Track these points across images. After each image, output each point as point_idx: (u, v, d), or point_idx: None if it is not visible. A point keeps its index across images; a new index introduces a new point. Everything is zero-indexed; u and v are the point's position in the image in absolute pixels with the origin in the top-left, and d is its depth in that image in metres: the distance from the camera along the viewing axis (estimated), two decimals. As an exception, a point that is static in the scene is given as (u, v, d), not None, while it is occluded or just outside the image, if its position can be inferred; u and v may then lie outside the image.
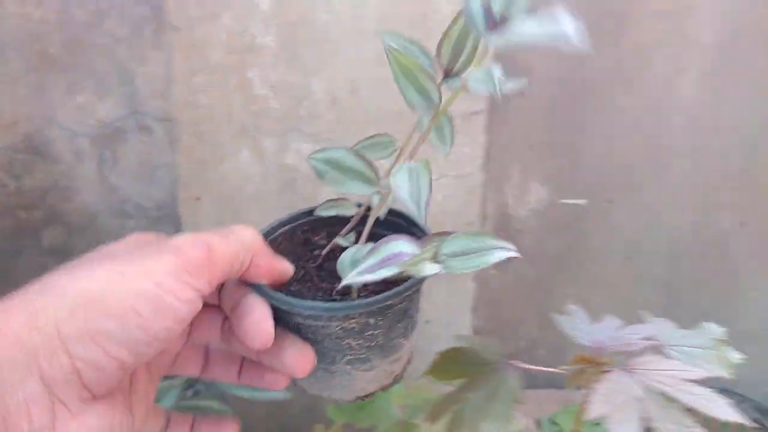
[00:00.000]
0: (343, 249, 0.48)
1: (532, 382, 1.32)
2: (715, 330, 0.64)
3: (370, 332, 0.44)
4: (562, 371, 0.59)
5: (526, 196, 1.14)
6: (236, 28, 0.81)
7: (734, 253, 1.19)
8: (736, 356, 0.62)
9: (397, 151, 0.50)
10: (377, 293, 0.43)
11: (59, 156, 1.04)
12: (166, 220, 1.11)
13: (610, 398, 0.52)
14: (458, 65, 0.47)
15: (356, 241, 0.49)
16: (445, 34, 0.47)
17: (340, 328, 0.43)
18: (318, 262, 0.51)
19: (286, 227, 0.53)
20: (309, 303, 0.42)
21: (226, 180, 0.90)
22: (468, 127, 0.88)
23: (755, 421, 1.30)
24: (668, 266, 1.20)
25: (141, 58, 0.99)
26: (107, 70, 1.00)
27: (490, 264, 0.43)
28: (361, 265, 0.42)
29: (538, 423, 1.02)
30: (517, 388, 0.56)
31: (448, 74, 0.48)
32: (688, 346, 0.61)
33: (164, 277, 0.34)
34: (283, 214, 0.90)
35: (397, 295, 0.42)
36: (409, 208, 0.43)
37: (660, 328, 0.63)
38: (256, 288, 0.42)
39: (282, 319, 0.42)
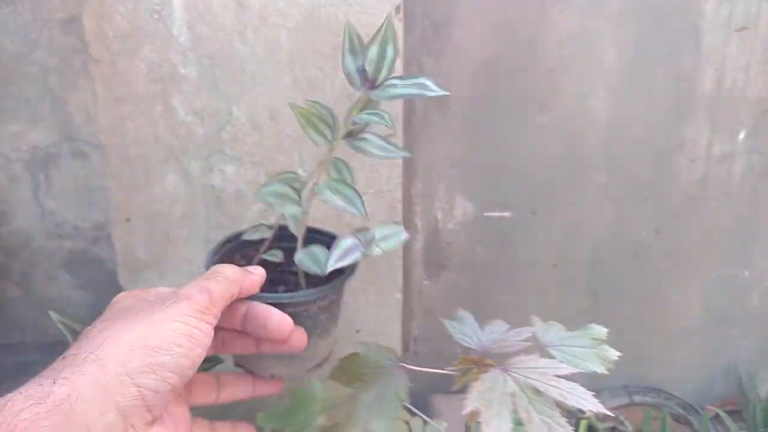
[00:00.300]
0: (267, 262, 0.64)
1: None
2: (598, 331, 0.70)
3: (332, 307, 0.63)
4: (449, 372, 0.64)
5: (453, 211, 1.19)
6: (156, 60, 0.84)
7: (652, 259, 1.26)
8: (613, 354, 0.67)
9: (304, 185, 0.66)
10: (317, 285, 0.61)
11: (-7, 181, 1.07)
12: (104, 241, 1.14)
13: (485, 395, 0.57)
14: (356, 128, 0.64)
15: (284, 256, 0.65)
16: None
17: (318, 308, 0.60)
18: None
19: (216, 257, 0.65)
20: (301, 293, 0.59)
21: (155, 202, 0.93)
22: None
23: (680, 416, 1.36)
24: (592, 273, 1.27)
25: (72, 86, 1.03)
26: (39, 98, 1.03)
27: (402, 241, 0.65)
28: (332, 257, 0.59)
29: (467, 427, 1.07)
30: (404, 389, 0.60)
31: (349, 135, 0.65)
32: (570, 346, 0.67)
33: (187, 318, 0.46)
34: (211, 233, 0.94)
35: (349, 275, 0.61)
36: (350, 211, 0.60)
37: (546, 330, 0.69)
38: (256, 298, 0.56)
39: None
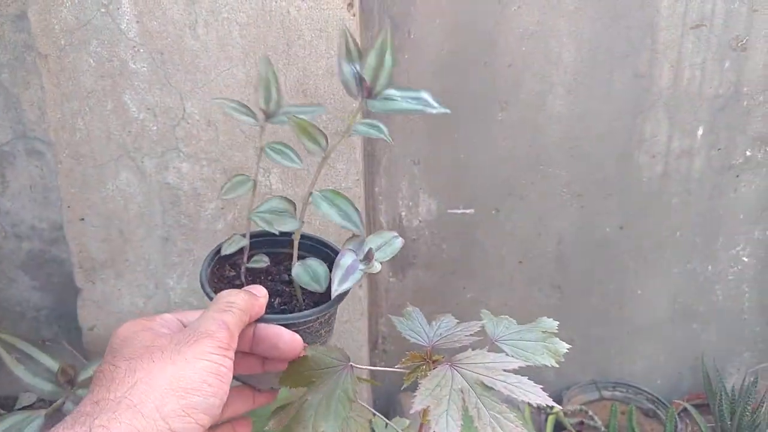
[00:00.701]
0: (254, 275, 0.64)
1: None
2: (548, 324, 0.69)
3: (331, 319, 0.63)
4: (398, 369, 0.63)
5: (417, 208, 1.19)
6: (105, 55, 0.83)
7: (617, 255, 1.27)
8: (563, 346, 0.67)
9: (253, 183, 0.64)
10: (313, 298, 0.62)
11: (-56, 181, 1.05)
12: (62, 241, 1.12)
13: (434, 392, 0.56)
14: (270, 107, 0.62)
15: (270, 262, 0.65)
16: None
17: (319, 323, 0.60)
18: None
19: (208, 270, 0.64)
20: (303, 313, 0.59)
21: (109, 200, 0.92)
22: (342, 146, 0.92)
23: (648, 411, 1.37)
24: (558, 269, 1.27)
25: (24, 83, 1.01)
26: (-9, 95, 1.01)
27: (398, 249, 0.63)
28: (335, 279, 0.58)
29: (421, 426, 1.06)
30: (352, 388, 0.59)
31: (266, 115, 0.63)
32: (520, 340, 0.66)
33: (211, 355, 0.46)
34: (169, 231, 0.93)
35: (347, 290, 0.59)
36: (348, 228, 0.59)
37: (497, 324, 0.68)
38: (263, 320, 0.56)
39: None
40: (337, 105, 0.90)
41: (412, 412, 0.57)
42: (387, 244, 0.64)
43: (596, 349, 1.37)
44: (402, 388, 0.62)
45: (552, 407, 0.60)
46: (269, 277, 0.66)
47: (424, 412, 0.68)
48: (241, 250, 0.65)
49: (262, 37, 0.84)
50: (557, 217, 1.22)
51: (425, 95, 0.59)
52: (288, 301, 0.64)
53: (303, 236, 0.67)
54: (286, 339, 0.56)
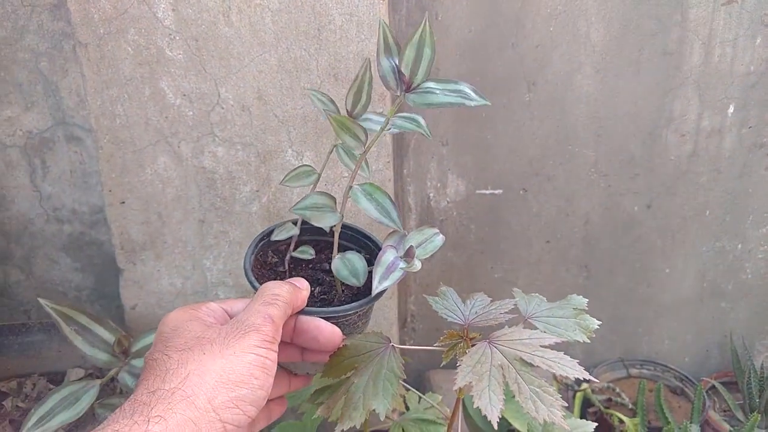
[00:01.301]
0: (296, 262, 0.66)
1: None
2: (578, 301, 0.71)
3: (368, 312, 0.64)
4: (436, 347, 0.65)
5: (446, 189, 1.20)
6: (143, 43, 0.85)
7: (644, 233, 1.27)
8: (594, 322, 0.68)
9: (317, 177, 0.65)
10: (353, 291, 0.64)
11: (-10, 167, 1.09)
12: (102, 224, 1.16)
13: (474, 368, 0.58)
14: (358, 109, 0.63)
15: (315, 253, 0.66)
16: (351, 85, 0.62)
17: (357, 316, 0.61)
18: (286, 278, 0.65)
19: (252, 257, 0.65)
20: (344, 307, 0.60)
21: (147, 184, 0.95)
22: (367, 126, 0.94)
23: (676, 388, 1.38)
24: (584, 248, 1.28)
25: (63, 71, 1.04)
26: (31, 83, 1.04)
27: (439, 246, 0.63)
28: (376, 276, 0.59)
29: (458, 400, 1.09)
30: (398, 365, 0.62)
31: (350, 115, 0.63)
32: (552, 317, 0.68)
33: (258, 349, 0.48)
34: (205, 214, 0.96)
35: (387, 288, 0.60)
36: (386, 224, 0.61)
37: (528, 302, 0.70)
38: (304, 312, 0.58)
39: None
40: (367, 88, 0.92)
41: (455, 388, 0.59)
42: (428, 241, 0.64)
43: (623, 328, 1.38)
44: (441, 365, 0.63)
45: (580, 384, 0.62)
46: (310, 265, 0.67)
47: (461, 388, 0.70)
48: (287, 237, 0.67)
49: (293, 22, 0.86)
50: (584, 197, 1.22)
51: (465, 87, 0.58)
52: (328, 291, 0.65)
53: (344, 226, 0.69)
54: (326, 333, 0.58)
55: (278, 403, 0.63)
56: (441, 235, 0.65)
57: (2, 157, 1.09)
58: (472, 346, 0.61)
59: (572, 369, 0.59)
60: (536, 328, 0.66)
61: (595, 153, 1.18)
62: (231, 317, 0.56)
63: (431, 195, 1.21)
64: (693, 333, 1.39)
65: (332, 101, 0.65)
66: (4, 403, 1.10)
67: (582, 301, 0.71)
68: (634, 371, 1.41)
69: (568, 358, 0.60)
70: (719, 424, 1.25)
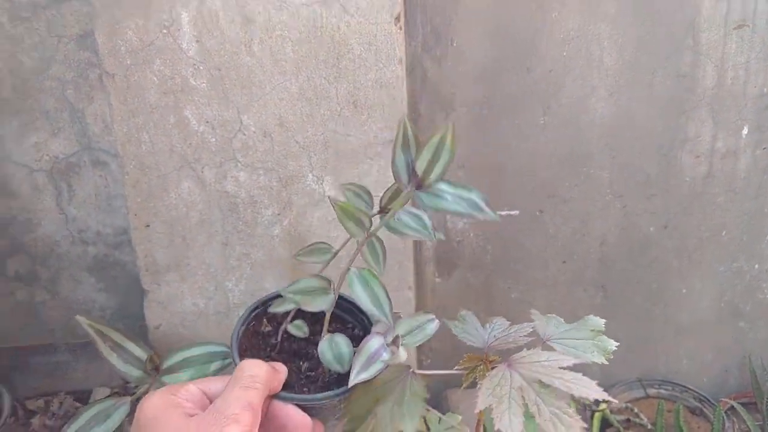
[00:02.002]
0: (289, 334, 0.65)
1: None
2: (595, 322, 0.71)
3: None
4: (456, 371, 0.66)
5: (462, 210, 1.21)
6: (168, 73, 0.89)
7: (660, 254, 1.27)
8: (611, 344, 0.69)
9: (334, 254, 0.66)
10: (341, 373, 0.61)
11: (18, 191, 1.12)
12: (126, 245, 1.19)
13: (494, 391, 0.59)
14: (392, 206, 0.62)
15: (308, 327, 0.66)
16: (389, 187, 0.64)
17: (339, 401, 0.60)
18: (276, 349, 0.66)
19: (242, 328, 0.65)
20: (317, 395, 0.59)
21: (172, 208, 0.97)
22: (386, 152, 0.96)
23: (695, 409, 1.37)
24: (601, 269, 1.28)
25: (88, 98, 1.07)
26: (58, 111, 1.08)
27: (431, 334, 0.62)
28: (356, 366, 0.57)
29: (478, 421, 1.10)
30: (422, 388, 0.62)
31: (382, 211, 0.65)
32: (570, 339, 0.69)
33: None
34: (228, 237, 0.98)
35: (366, 380, 0.58)
36: (377, 316, 0.60)
37: (547, 324, 0.71)
38: (278, 397, 0.57)
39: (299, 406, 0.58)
40: (385, 115, 0.94)
41: (476, 411, 0.60)
42: (419, 329, 0.63)
43: (641, 348, 1.38)
44: (463, 388, 0.64)
45: (599, 404, 0.62)
46: (303, 339, 0.67)
47: (481, 411, 0.71)
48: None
49: (313, 52, 0.88)
50: (600, 217, 1.23)
51: (476, 198, 0.57)
52: (315, 368, 0.64)
53: (342, 297, 0.67)
54: (295, 421, 0.56)
55: None
56: (436, 322, 0.63)
57: (29, 181, 1.12)
58: (492, 368, 0.62)
59: (591, 390, 0.59)
60: (554, 350, 0.67)
61: (610, 174, 1.19)
62: (210, 399, 0.55)
63: (448, 217, 1.22)
64: (712, 353, 1.39)
65: (367, 192, 0.65)
66: (32, 421, 1.12)
67: (599, 322, 0.71)
68: (652, 391, 1.40)
69: (587, 378, 0.60)
70: (739, 445, 1.24)
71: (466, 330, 0.69)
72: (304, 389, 0.62)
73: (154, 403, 0.52)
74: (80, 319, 0.75)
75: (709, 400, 1.35)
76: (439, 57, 1.08)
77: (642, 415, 1.33)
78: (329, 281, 0.62)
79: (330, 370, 0.63)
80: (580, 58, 1.08)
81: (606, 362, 0.67)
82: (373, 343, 0.59)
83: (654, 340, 1.37)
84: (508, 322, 0.71)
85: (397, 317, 0.64)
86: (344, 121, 0.93)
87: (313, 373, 0.63)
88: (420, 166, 0.56)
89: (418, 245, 1.21)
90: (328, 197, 0.61)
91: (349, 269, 0.61)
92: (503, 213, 1.29)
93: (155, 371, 0.75)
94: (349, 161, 0.95)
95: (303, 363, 0.65)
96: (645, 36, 1.07)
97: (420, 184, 0.57)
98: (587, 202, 1.21)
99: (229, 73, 0.89)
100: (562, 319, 0.72)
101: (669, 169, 1.19)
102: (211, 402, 0.54)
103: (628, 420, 1.33)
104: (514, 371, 0.60)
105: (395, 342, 0.60)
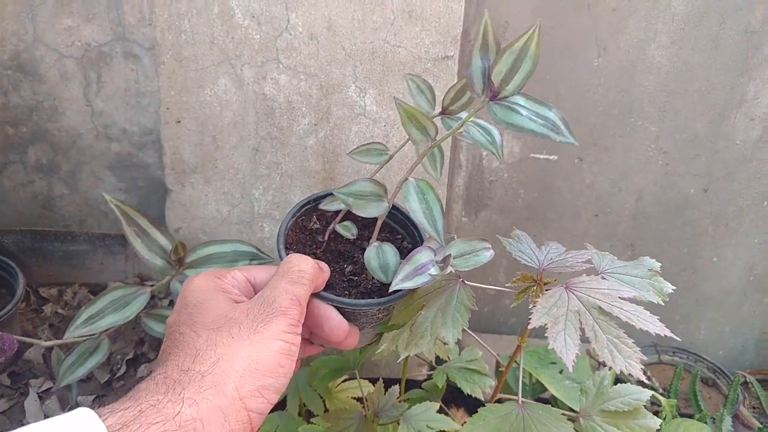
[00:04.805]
0: (336, 233, 0.63)
1: (497, 329, 1.37)
2: (651, 263, 0.69)
3: (392, 307, 0.61)
4: (508, 289, 0.64)
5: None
6: (218, -44, 0.83)
7: (696, 218, 1.23)
8: (668, 286, 0.66)
9: (389, 157, 0.63)
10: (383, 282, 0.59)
11: (45, 75, 1.07)
12: (150, 146, 1.15)
13: (550, 311, 0.57)
14: (455, 107, 0.60)
15: (357, 230, 0.63)
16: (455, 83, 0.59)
17: (377, 311, 0.59)
18: (322, 248, 0.64)
19: (291, 221, 0.64)
20: (357, 302, 0.57)
21: (206, 106, 0.93)
22: (439, 71, 0.91)
23: (708, 379, 1.36)
24: (633, 226, 1.25)
25: (129, -18, 1.02)
26: (95, -7, 1.03)
27: (483, 263, 0.59)
28: (400, 273, 0.55)
29: (497, 360, 1.08)
30: (468, 297, 0.60)
31: (444, 112, 0.61)
32: (626, 275, 0.66)
33: (285, 335, 0.48)
34: (260, 143, 0.94)
35: (408, 290, 0.57)
36: (428, 231, 0.56)
37: (601, 257, 0.68)
38: (319, 296, 0.56)
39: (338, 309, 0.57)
40: (440, 29, 0.89)
41: (529, 327, 0.58)
42: (473, 254, 0.60)
43: (660, 312, 1.34)
44: (511, 306, 0.62)
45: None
46: (350, 241, 0.64)
47: (523, 335, 0.68)
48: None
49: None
50: (640, 172, 1.19)
51: (556, 117, 0.53)
52: (359, 272, 0.62)
53: (395, 208, 0.65)
54: (332, 323, 0.56)
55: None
56: (490, 252, 0.60)
57: (58, 67, 1.07)
58: (546, 290, 0.59)
59: (653, 324, 0.57)
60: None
61: (657, 128, 1.14)
62: (254, 288, 0.56)
63: (484, 153, 1.18)
64: (731, 326, 1.36)
65: (431, 89, 0.60)
66: (44, 308, 1.10)
67: (655, 264, 0.69)
68: (665, 357, 1.38)
69: (648, 312, 0.58)
70: (749, 419, 1.22)
71: (520, 249, 0.67)
72: (345, 292, 0.60)
73: (200, 286, 0.52)
74: (107, 196, 0.72)
75: (723, 372, 1.33)
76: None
77: (654, 380, 1.31)
78: (384, 188, 0.59)
79: (373, 278, 0.60)
80: (647, 1, 1.02)
81: (662, 303, 0.65)
82: (423, 255, 0.57)
83: (675, 307, 1.34)
84: (564, 248, 0.68)
85: (450, 238, 0.61)
86: (396, 30, 0.88)
87: (356, 278, 0.61)
88: (497, 75, 0.51)
89: (450, 180, 1.17)
90: (394, 98, 0.56)
91: (406, 179, 0.57)
92: (541, 157, 1.25)
93: (178, 264, 0.72)
94: (396, 75, 0.90)
95: (347, 266, 0.63)
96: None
97: (495, 95, 0.52)
98: (630, 154, 1.17)
99: (283, -36, 0.84)
100: (614, 257, 0.70)
101: (720, 129, 1.14)
102: (255, 291, 0.55)
103: (641, 383, 1.31)
104: (571, 294, 0.58)
105: (446, 261, 0.58)
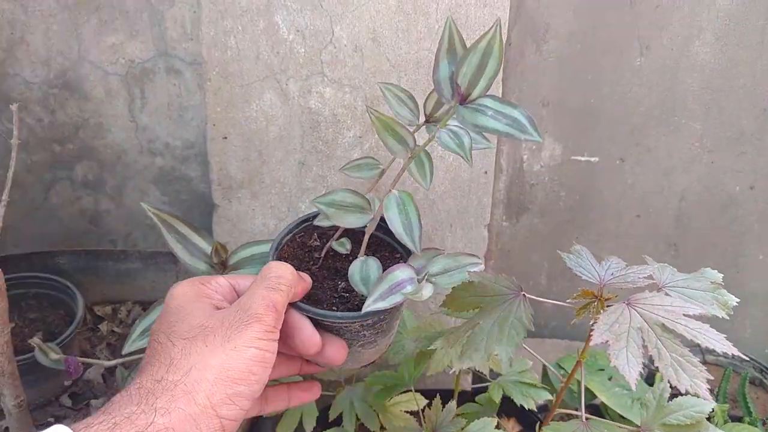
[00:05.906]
0: (336, 252, 0.63)
1: (539, 332, 1.37)
2: (713, 275, 0.68)
3: (379, 325, 0.58)
4: (569, 305, 0.63)
5: (540, 152, 1.17)
6: (265, -27, 0.84)
7: (741, 216, 1.21)
8: (732, 299, 0.65)
9: (381, 172, 0.61)
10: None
11: (91, 93, 1.09)
12: (193, 160, 1.16)
13: (612, 328, 0.56)
14: (439, 114, 0.58)
15: (351, 246, 0.63)
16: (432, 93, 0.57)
17: (359, 326, 0.56)
18: (319, 264, 0.63)
19: (288, 236, 0.64)
20: (340, 314, 0.55)
21: (252, 121, 0.94)
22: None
23: (755, 379, 1.34)
24: (676, 226, 1.23)
25: (170, 0, 1.03)
26: (138, 11, 1.04)
27: (466, 279, 0.58)
28: (374, 293, 0.54)
29: (544, 368, 1.07)
30: (527, 316, 0.59)
31: (429, 121, 0.59)
32: (688, 288, 0.65)
33: (259, 341, 0.48)
34: (306, 156, 0.95)
35: (379, 310, 0.55)
36: (406, 242, 0.55)
37: (662, 270, 0.67)
38: (295, 306, 0.55)
39: (316, 322, 0.56)
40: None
41: (592, 344, 0.57)
42: (458, 270, 0.59)
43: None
44: (572, 322, 0.61)
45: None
46: (347, 259, 0.64)
47: (583, 350, 0.68)
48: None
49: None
50: (684, 172, 1.17)
51: (519, 115, 0.51)
52: (351, 289, 0.61)
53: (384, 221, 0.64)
54: (304, 334, 0.55)
55: (302, 388, 0.62)
56: (480, 265, 0.60)
57: (103, 84, 1.09)
58: (608, 306, 0.59)
59: (719, 343, 0.56)
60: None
61: (702, 126, 1.12)
62: (238, 294, 0.56)
63: (525, 157, 1.18)
64: (778, 324, 1.34)
65: (411, 98, 0.59)
66: (99, 327, 1.12)
67: (717, 275, 0.68)
68: (710, 357, 1.37)
69: (714, 330, 0.57)
70: (799, 419, 1.21)
71: (581, 264, 0.66)
72: (333, 308, 0.59)
73: (184, 292, 0.53)
74: (145, 205, 0.72)
75: (771, 371, 1.31)
76: (539, -16, 1.01)
77: (702, 381, 1.29)
78: (368, 200, 0.59)
79: (363, 294, 0.59)
80: (692, -4, 1.01)
81: (727, 317, 0.64)
82: (400, 273, 0.56)
83: (720, 305, 1.32)
84: (624, 263, 0.68)
85: (436, 252, 0.61)
86: (441, 41, 0.88)
87: (348, 294, 0.60)
88: (463, 78, 0.50)
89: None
90: (366, 106, 0.55)
91: (390, 191, 0.56)
92: (582, 159, 1.24)
93: (222, 265, 0.73)
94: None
95: (341, 282, 0.62)
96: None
97: (464, 99, 0.51)
98: (674, 153, 1.15)
99: (327, -22, 0.84)
100: (675, 269, 0.69)
101: (766, 125, 1.12)
102: (239, 297, 0.54)
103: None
104: (634, 311, 0.57)
105: (425, 277, 0.57)
